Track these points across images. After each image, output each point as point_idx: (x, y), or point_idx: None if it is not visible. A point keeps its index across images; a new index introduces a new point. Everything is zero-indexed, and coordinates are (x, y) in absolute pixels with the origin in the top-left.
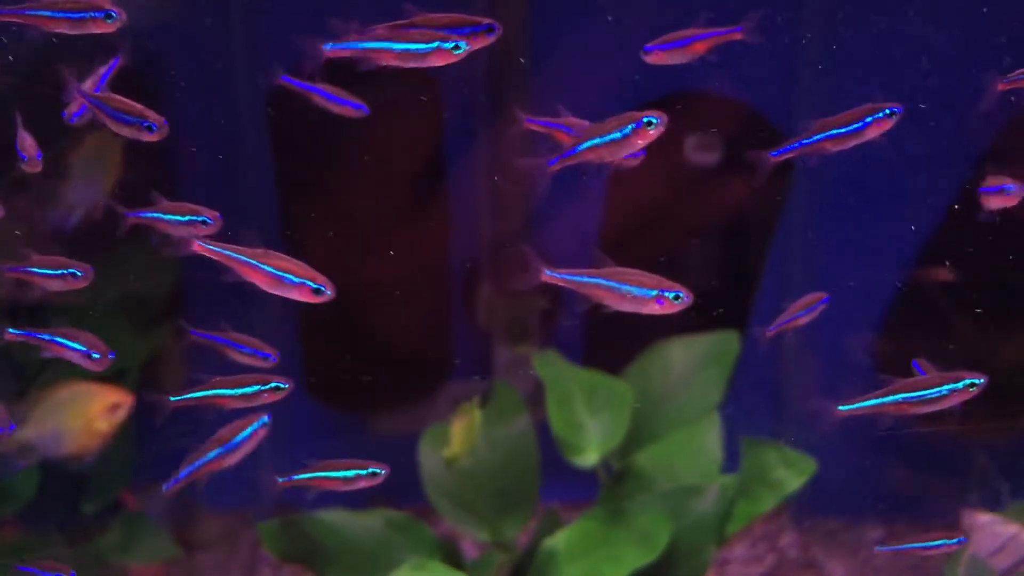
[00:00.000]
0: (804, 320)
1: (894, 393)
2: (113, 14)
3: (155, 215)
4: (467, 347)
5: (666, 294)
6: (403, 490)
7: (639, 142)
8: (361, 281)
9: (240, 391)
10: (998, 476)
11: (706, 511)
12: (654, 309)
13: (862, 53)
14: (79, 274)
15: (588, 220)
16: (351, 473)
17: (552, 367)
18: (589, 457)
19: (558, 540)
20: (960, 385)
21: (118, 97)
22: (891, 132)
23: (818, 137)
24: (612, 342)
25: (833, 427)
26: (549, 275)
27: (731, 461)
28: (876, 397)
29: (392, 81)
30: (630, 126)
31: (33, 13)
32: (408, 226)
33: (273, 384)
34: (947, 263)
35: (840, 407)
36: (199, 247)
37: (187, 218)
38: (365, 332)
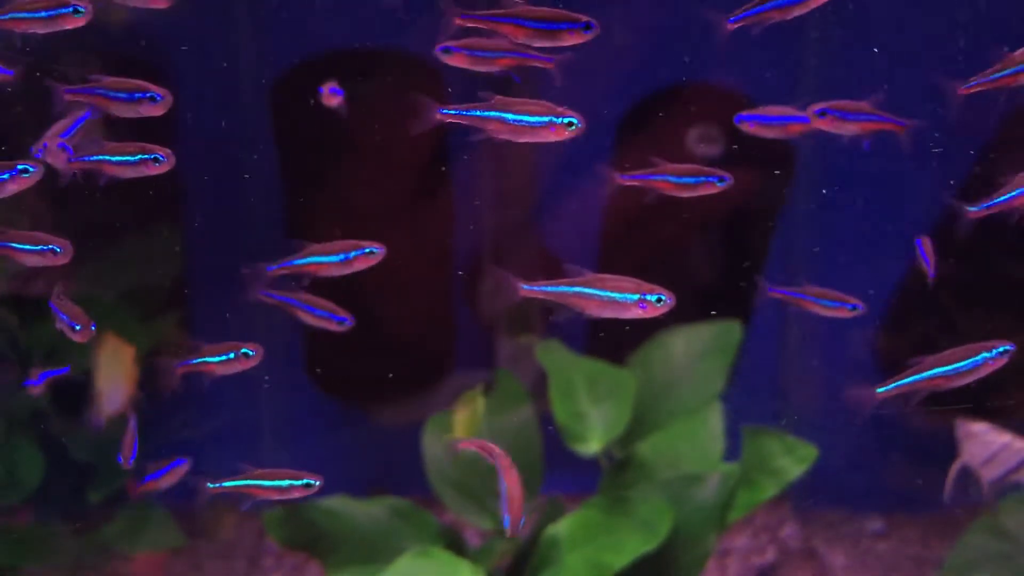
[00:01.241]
0: (819, 309)
1: (928, 369)
2: (80, 8)
3: (101, 158)
4: (470, 337)
5: (648, 297)
6: (407, 479)
7: (551, 136)
8: (364, 272)
9: (219, 358)
10: None
11: (707, 499)
12: (637, 313)
13: (864, 45)
14: (59, 250)
15: (591, 211)
16: (286, 483)
17: (555, 356)
18: (592, 446)
19: (560, 528)
20: (993, 353)
21: (112, 78)
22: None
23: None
24: (615, 331)
25: (866, 415)
26: (527, 290)
27: (733, 449)
28: (911, 375)
29: (395, 73)
30: (547, 117)
31: (5, 17)
32: (411, 217)
33: (243, 351)
34: (949, 255)
35: (878, 389)
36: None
37: (136, 157)
38: (369, 322)
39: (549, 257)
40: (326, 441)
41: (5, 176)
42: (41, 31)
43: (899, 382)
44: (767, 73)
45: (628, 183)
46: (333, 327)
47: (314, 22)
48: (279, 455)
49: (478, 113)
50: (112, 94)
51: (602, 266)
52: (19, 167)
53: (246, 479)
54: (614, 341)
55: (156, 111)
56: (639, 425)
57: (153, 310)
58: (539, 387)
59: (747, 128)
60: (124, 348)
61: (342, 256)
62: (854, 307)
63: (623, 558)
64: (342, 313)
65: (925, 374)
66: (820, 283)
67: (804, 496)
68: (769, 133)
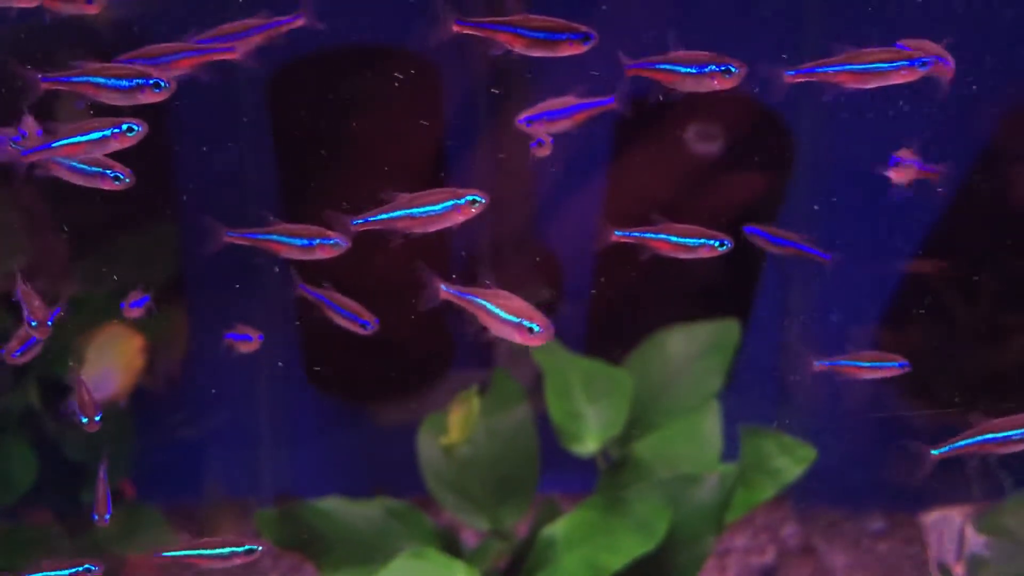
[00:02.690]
0: None
1: (981, 434)
2: None
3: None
4: (467, 337)
5: (524, 324)
6: (404, 479)
7: (460, 217)
8: (361, 271)
9: None
10: (1000, 467)
11: (705, 500)
12: (516, 338)
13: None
14: None
15: (589, 212)
16: (227, 551)
17: (551, 356)
18: (588, 446)
19: (557, 528)
20: None
21: (101, 64)
22: (894, 123)
23: None
24: (613, 331)
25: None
26: (446, 291)
27: (731, 449)
28: (964, 439)
29: (393, 71)
30: (450, 202)
31: None
32: None
33: None
34: (951, 254)
35: (933, 451)
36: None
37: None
38: None
39: (548, 257)
40: (323, 440)
41: (107, 132)
42: None
43: (953, 445)
44: (768, 68)
45: (624, 239)
46: (357, 329)
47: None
48: (277, 454)
49: (385, 216)
50: (104, 81)
51: (600, 266)
52: (124, 125)
53: (189, 549)
54: (613, 340)
55: (158, 98)
56: (636, 425)
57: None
58: (537, 386)
59: (535, 129)
60: (128, 338)
61: (306, 241)
62: (902, 365)
63: (620, 559)
64: (366, 317)
65: (977, 439)
66: (820, 281)
67: (804, 495)
68: (560, 127)
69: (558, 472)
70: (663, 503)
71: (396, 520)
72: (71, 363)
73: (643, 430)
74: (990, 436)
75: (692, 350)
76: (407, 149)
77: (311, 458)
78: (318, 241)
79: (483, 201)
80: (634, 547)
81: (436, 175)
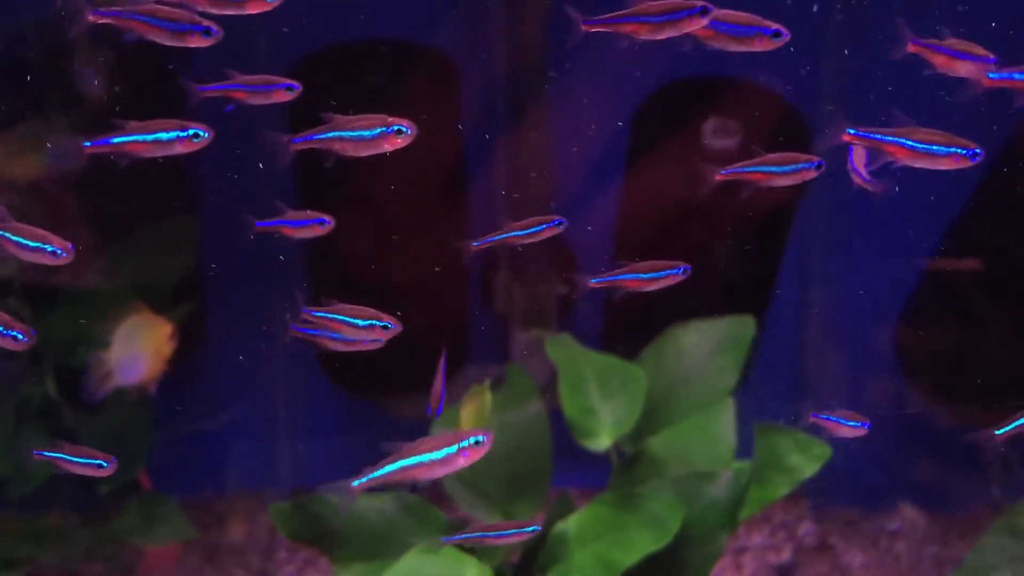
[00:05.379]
0: None
1: None
2: None
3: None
4: (485, 332)
5: (464, 443)
6: None
7: (387, 146)
8: (379, 267)
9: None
10: (1020, 466)
11: (719, 497)
12: (460, 463)
13: (885, 42)
14: None
15: (606, 209)
16: None
17: (565, 351)
18: (602, 441)
19: (570, 524)
20: None
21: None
22: (917, 117)
23: None
24: (628, 326)
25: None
26: (357, 485)
27: (745, 447)
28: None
29: (413, 74)
30: (379, 129)
31: None
32: (427, 213)
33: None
34: (972, 251)
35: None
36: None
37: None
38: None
39: (565, 252)
40: (339, 434)
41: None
42: None
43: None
44: (787, 65)
45: (600, 285)
46: (379, 334)
47: (333, 13)
48: (294, 447)
49: (323, 136)
50: (154, 21)
51: (616, 261)
52: (191, 130)
53: None
54: (628, 335)
55: (205, 43)
56: (650, 421)
57: (166, 302)
58: (552, 382)
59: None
60: (158, 324)
61: (361, 321)
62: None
63: (633, 555)
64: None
65: None
66: (840, 279)
67: (822, 494)
68: None
69: (571, 467)
70: (676, 500)
71: (409, 515)
72: None
73: (657, 426)
74: None
75: (707, 346)
76: (426, 145)
77: (327, 451)
78: (372, 323)
79: (409, 132)
80: (647, 543)
81: (456, 172)
